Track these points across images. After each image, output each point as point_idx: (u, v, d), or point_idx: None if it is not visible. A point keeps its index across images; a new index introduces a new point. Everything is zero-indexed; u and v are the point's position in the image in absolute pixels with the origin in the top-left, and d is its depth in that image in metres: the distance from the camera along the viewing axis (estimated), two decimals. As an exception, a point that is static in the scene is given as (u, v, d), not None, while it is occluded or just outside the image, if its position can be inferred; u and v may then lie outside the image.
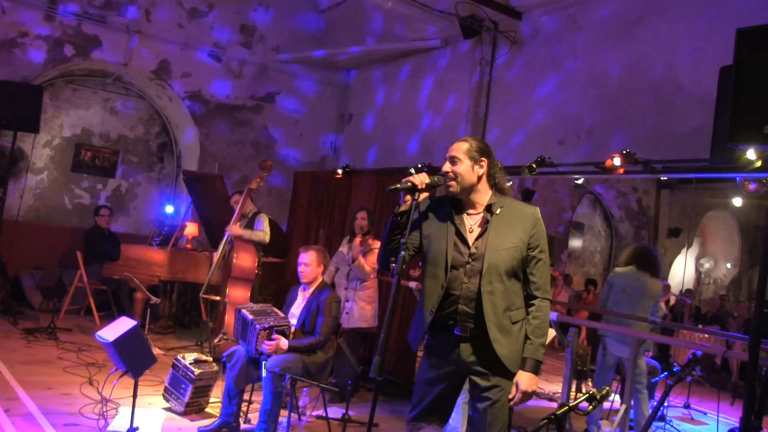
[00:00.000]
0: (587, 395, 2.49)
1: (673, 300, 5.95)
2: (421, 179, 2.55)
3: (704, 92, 4.51)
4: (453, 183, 2.63)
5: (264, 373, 3.87)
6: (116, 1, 7.53)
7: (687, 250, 11.61)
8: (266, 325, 4.02)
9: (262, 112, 8.68)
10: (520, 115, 6.15)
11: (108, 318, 6.66)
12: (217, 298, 5.59)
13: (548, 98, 5.90)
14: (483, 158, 2.65)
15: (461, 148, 2.65)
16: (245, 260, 5.57)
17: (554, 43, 5.93)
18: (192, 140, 8.44)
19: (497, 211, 2.63)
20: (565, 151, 5.50)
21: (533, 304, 2.61)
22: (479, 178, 2.65)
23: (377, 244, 5.29)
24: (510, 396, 2.53)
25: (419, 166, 5.93)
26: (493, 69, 6.45)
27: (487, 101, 6.46)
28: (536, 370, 2.55)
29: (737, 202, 10.26)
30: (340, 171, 7.08)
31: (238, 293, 5.49)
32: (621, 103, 5.22)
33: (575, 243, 12.15)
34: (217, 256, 5.76)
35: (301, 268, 4.28)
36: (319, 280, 4.30)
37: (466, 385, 2.73)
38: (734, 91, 2.97)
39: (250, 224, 5.82)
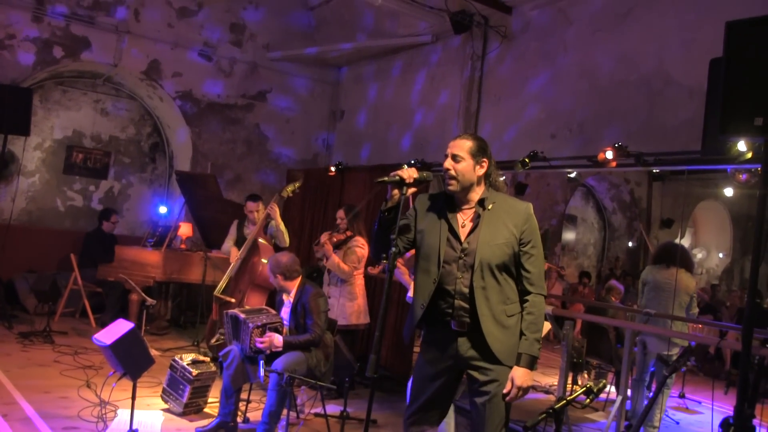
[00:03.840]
0: (584, 388, 2.53)
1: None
2: (410, 173, 2.53)
3: (695, 84, 4.53)
4: (453, 182, 2.62)
5: (261, 372, 3.88)
6: (105, 2, 7.48)
7: (680, 240, 11.68)
8: (259, 323, 4.05)
9: (254, 110, 8.65)
10: (512, 110, 6.16)
11: (101, 320, 6.65)
12: (233, 300, 5.48)
13: (540, 92, 5.92)
14: (484, 158, 2.65)
15: (464, 146, 2.63)
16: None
17: (545, 37, 5.95)
18: (184, 140, 8.41)
19: (489, 207, 2.63)
20: (557, 144, 5.52)
21: (527, 300, 2.61)
22: (479, 178, 2.65)
23: (359, 242, 5.28)
24: (505, 391, 2.53)
25: (412, 162, 5.95)
26: (485, 64, 6.46)
27: (479, 96, 6.47)
28: (531, 366, 2.55)
29: (729, 192, 10.33)
30: (333, 168, 7.08)
31: (255, 299, 5.37)
32: (612, 97, 5.24)
33: (568, 236, 12.21)
34: (237, 255, 5.62)
35: None
36: (297, 281, 4.26)
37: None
38: (725, 84, 2.99)
39: (265, 228, 5.76)
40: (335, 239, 5.28)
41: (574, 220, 12.24)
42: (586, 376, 6.62)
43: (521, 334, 2.58)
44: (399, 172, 2.55)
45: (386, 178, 2.55)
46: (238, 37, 8.42)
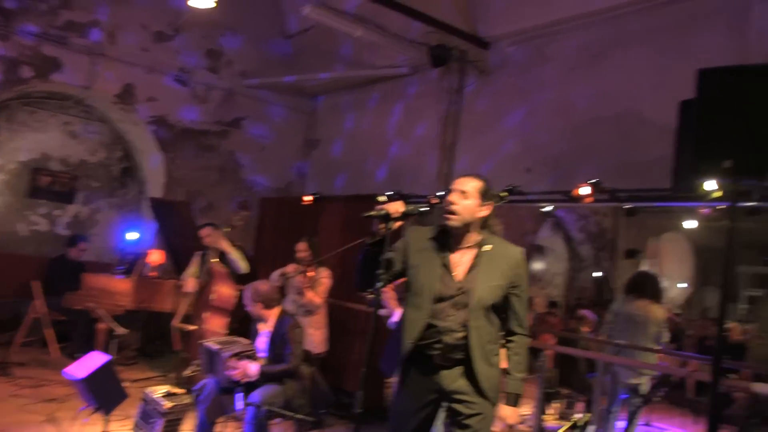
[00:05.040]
0: (571, 423, 2.59)
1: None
2: (396, 208, 2.55)
3: (664, 124, 4.70)
4: (454, 217, 2.63)
5: (241, 404, 3.80)
6: (79, 23, 7.38)
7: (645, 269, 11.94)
8: (232, 353, 3.99)
9: (229, 137, 8.60)
10: (488, 144, 6.27)
11: (67, 350, 6.42)
12: (193, 327, 5.45)
13: (516, 127, 6.05)
14: (490, 201, 2.69)
15: (473, 185, 2.66)
16: (225, 290, 5.51)
17: (521, 73, 6.10)
18: (157, 165, 8.29)
19: (487, 249, 2.68)
20: (532, 179, 5.63)
21: (513, 340, 2.69)
22: (481, 219, 2.68)
23: (325, 273, 5.29)
24: (496, 431, 2.61)
25: (390, 193, 5.98)
26: (462, 97, 6.58)
27: (456, 129, 6.58)
28: (517, 403, 2.68)
29: (691, 224, 10.70)
30: (310, 197, 7.05)
31: (216, 322, 5.41)
32: (587, 133, 5.40)
33: (537, 266, 12.37)
34: (192, 284, 5.63)
35: None
36: (275, 310, 4.22)
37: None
38: (697, 128, 3.14)
39: (222, 257, 5.74)
40: (309, 276, 5.23)
41: (542, 250, 12.42)
42: (557, 405, 6.67)
43: (506, 372, 2.67)
44: (386, 206, 2.55)
45: (373, 212, 2.55)
46: (215, 63, 8.40)
